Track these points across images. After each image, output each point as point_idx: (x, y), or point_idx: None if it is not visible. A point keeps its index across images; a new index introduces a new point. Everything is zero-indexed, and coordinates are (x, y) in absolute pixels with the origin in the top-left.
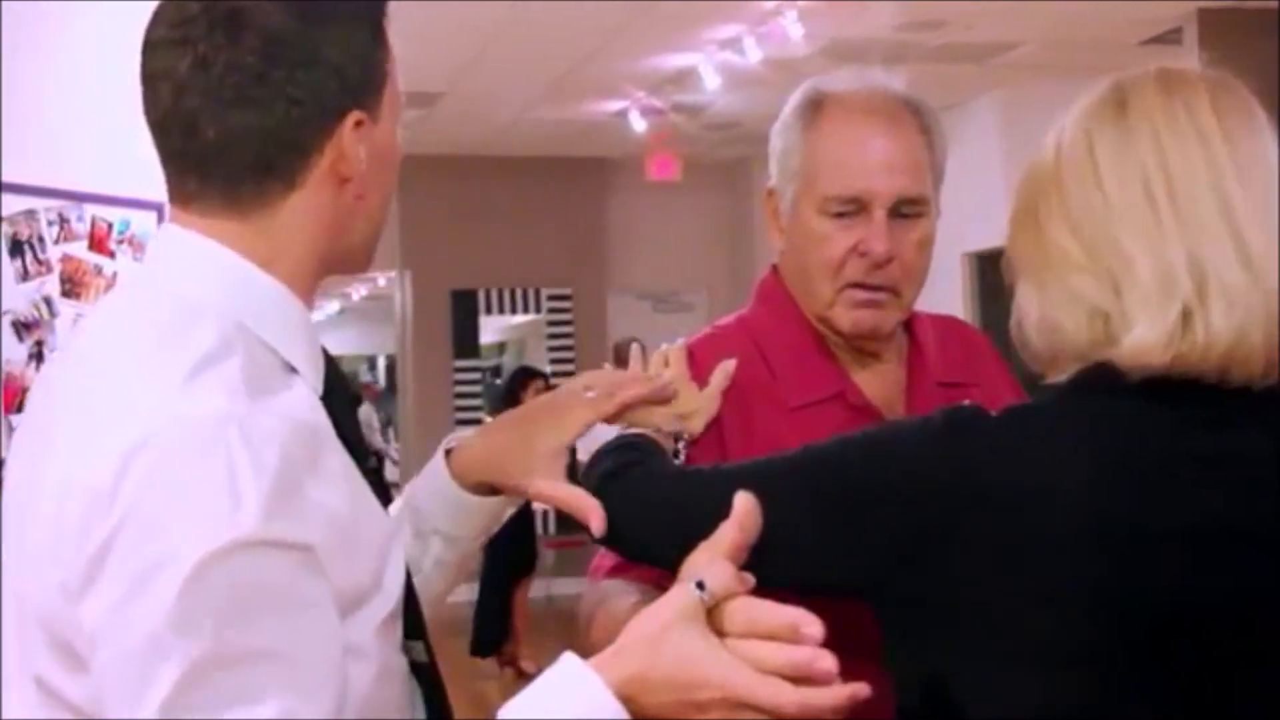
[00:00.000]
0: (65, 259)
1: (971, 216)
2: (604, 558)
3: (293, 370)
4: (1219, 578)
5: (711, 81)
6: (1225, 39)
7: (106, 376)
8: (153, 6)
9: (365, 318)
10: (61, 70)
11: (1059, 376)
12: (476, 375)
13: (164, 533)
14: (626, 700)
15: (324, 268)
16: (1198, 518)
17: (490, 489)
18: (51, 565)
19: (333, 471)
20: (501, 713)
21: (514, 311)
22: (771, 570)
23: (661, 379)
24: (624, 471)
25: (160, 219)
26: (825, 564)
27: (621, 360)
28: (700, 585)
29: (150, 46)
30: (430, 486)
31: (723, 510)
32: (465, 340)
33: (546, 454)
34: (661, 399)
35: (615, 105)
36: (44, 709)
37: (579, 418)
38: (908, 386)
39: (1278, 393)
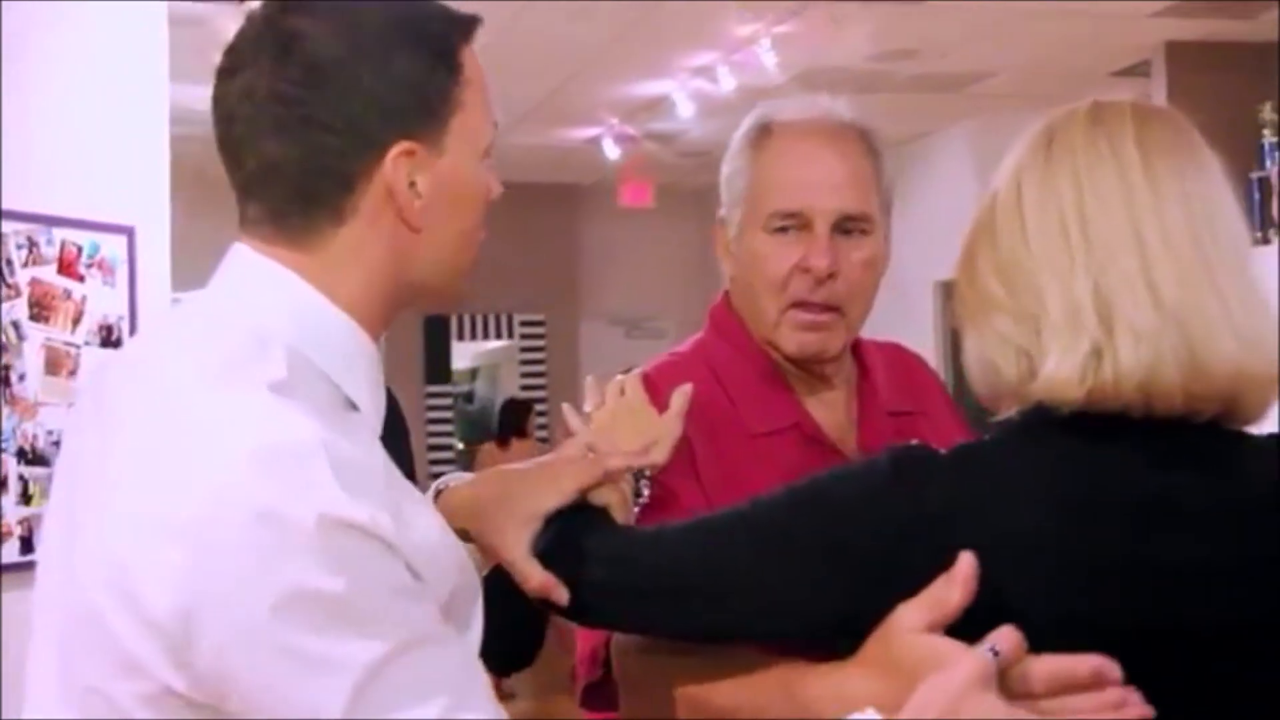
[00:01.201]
0: (34, 283)
1: (943, 245)
2: (584, 641)
3: (353, 407)
4: (1178, 611)
5: (685, 109)
6: (1192, 71)
7: (180, 404)
8: (122, 31)
9: None
10: (30, 93)
11: (1006, 414)
12: (448, 401)
13: (274, 555)
14: None
15: (394, 302)
16: (1147, 554)
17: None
18: (124, 593)
19: (417, 502)
20: None
21: (486, 337)
22: (731, 623)
23: (650, 457)
24: (587, 546)
25: (131, 243)
26: (789, 614)
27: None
28: (994, 651)
29: (216, 74)
30: None
31: (710, 566)
32: (437, 366)
33: (522, 520)
34: (648, 465)
35: (589, 132)
36: (100, 711)
37: (564, 487)
38: (859, 416)
39: (1215, 428)
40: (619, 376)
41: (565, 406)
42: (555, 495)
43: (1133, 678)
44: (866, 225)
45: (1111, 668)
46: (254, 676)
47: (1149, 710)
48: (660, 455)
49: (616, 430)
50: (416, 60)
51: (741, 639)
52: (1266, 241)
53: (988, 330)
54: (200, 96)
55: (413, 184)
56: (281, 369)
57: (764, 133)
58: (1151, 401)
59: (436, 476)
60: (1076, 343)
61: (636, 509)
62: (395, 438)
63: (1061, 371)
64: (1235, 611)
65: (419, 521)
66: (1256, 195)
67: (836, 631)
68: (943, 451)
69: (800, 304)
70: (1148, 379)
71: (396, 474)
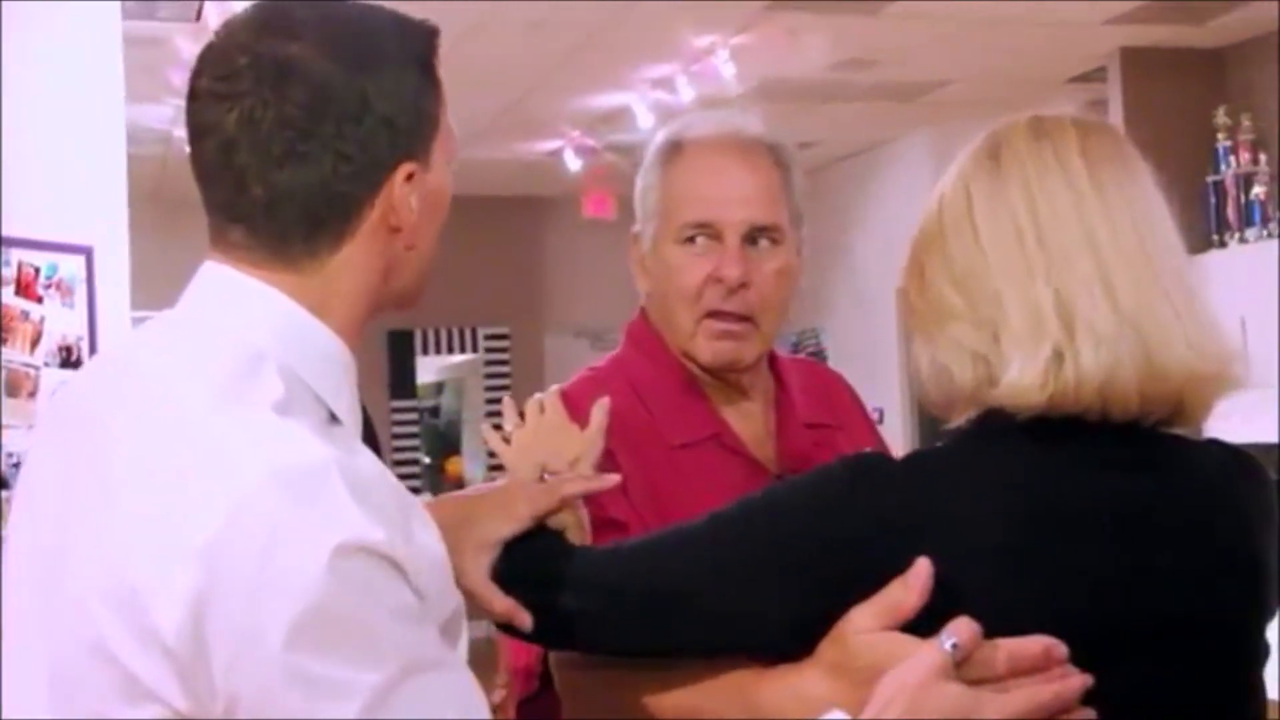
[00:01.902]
0: None
1: (905, 252)
2: (517, 655)
3: (335, 420)
4: (1135, 612)
5: (645, 120)
6: (1147, 77)
7: (189, 428)
8: (78, 51)
9: None
10: None
11: (958, 421)
12: (414, 416)
13: (290, 578)
14: None
15: (373, 313)
16: (1104, 557)
17: None
18: (132, 617)
19: (424, 522)
20: None
21: (451, 351)
22: (696, 639)
23: (607, 479)
24: (547, 571)
25: (89, 263)
26: (751, 627)
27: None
28: (953, 644)
29: (196, 97)
30: None
31: (672, 585)
32: (401, 380)
33: (479, 546)
34: (602, 489)
35: (550, 145)
36: None
37: (520, 513)
38: (777, 428)
39: (1161, 433)
40: (537, 395)
41: (484, 426)
42: (511, 521)
43: (1091, 670)
44: (776, 235)
45: (1058, 645)
46: (263, 700)
47: (1086, 679)
48: (585, 470)
49: (538, 448)
50: (410, 77)
51: (707, 653)
52: (1222, 245)
53: (942, 338)
54: (157, 116)
55: (409, 202)
56: (279, 387)
57: (674, 149)
58: (1109, 405)
59: None
60: (1038, 348)
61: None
62: (370, 447)
63: (1025, 377)
64: (1193, 611)
65: (425, 538)
66: (1212, 199)
67: (798, 640)
68: (896, 459)
69: (714, 314)
70: (1107, 382)
71: (401, 487)
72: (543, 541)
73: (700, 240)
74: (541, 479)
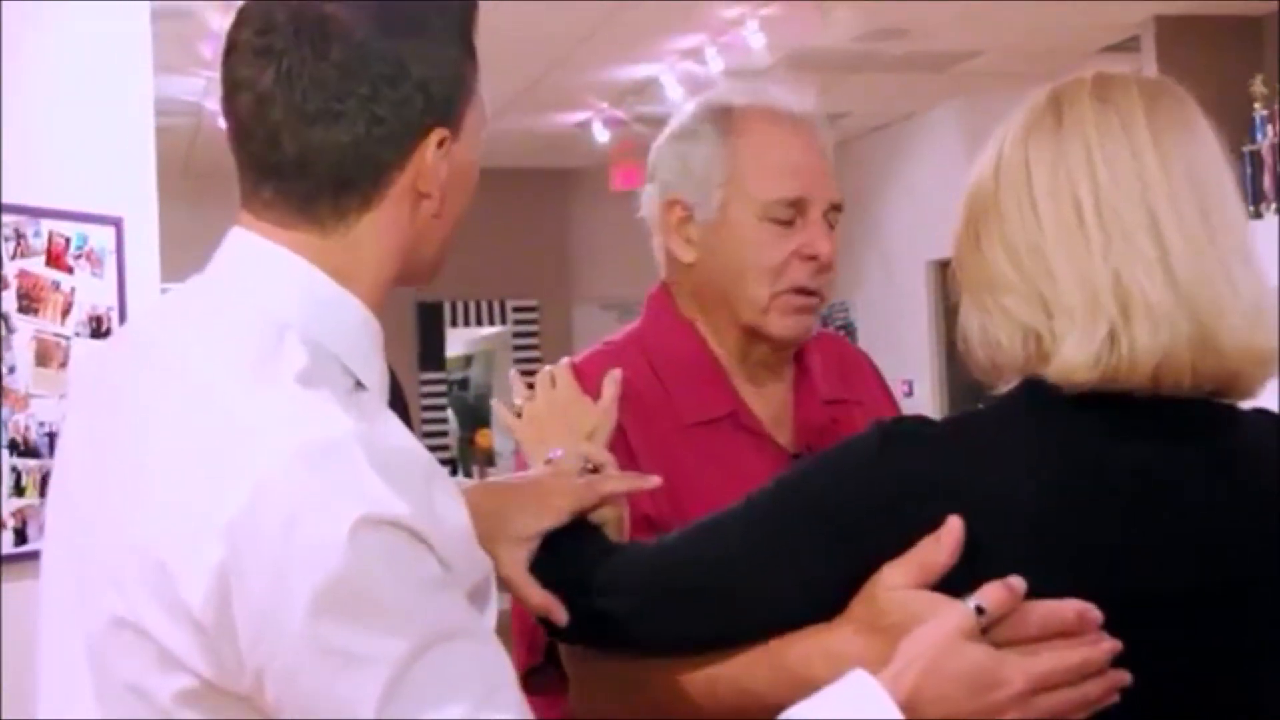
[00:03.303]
0: (22, 274)
1: (935, 225)
2: (520, 626)
3: (361, 386)
4: (1163, 583)
5: (674, 92)
6: (1182, 46)
7: (216, 404)
8: (107, 23)
9: None
10: (17, 84)
11: (1004, 387)
12: (442, 388)
13: (313, 551)
14: (910, 709)
15: (398, 281)
16: (1140, 530)
17: None
18: (161, 589)
19: (448, 491)
20: (786, 713)
21: (480, 323)
22: (744, 622)
23: (649, 480)
24: (587, 568)
25: (119, 234)
26: (794, 599)
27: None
28: (980, 609)
29: (233, 51)
30: None
31: (714, 571)
32: (431, 352)
33: (517, 538)
34: (642, 489)
35: (578, 116)
36: (141, 711)
37: (560, 507)
38: (795, 404)
39: (1207, 402)
40: (547, 368)
41: (495, 402)
42: (551, 515)
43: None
44: (839, 216)
45: (1091, 609)
46: (289, 672)
47: (1117, 644)
48: (598, 446)
49: (549, 423)
50: (449, 45)
51: (744, 639)
52: (1259, 215)
53: (994, 307)
54: (187, 88)
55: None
56: (303, 358)
57: (728, 116)
58: (1161, 382)
59: None
60: (1094, 328)
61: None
62: (398, 413)
63: (1078, 356)
64: (1230, 579)
65: (450, 509)
66: (1248, 169)
67: (832, 613)
68: (935, 422)
69: (795, 290)
70: (1162, 362)
71: (431, 459)
72: (582, 538)
73: (787, 216)
74: (585, 471)
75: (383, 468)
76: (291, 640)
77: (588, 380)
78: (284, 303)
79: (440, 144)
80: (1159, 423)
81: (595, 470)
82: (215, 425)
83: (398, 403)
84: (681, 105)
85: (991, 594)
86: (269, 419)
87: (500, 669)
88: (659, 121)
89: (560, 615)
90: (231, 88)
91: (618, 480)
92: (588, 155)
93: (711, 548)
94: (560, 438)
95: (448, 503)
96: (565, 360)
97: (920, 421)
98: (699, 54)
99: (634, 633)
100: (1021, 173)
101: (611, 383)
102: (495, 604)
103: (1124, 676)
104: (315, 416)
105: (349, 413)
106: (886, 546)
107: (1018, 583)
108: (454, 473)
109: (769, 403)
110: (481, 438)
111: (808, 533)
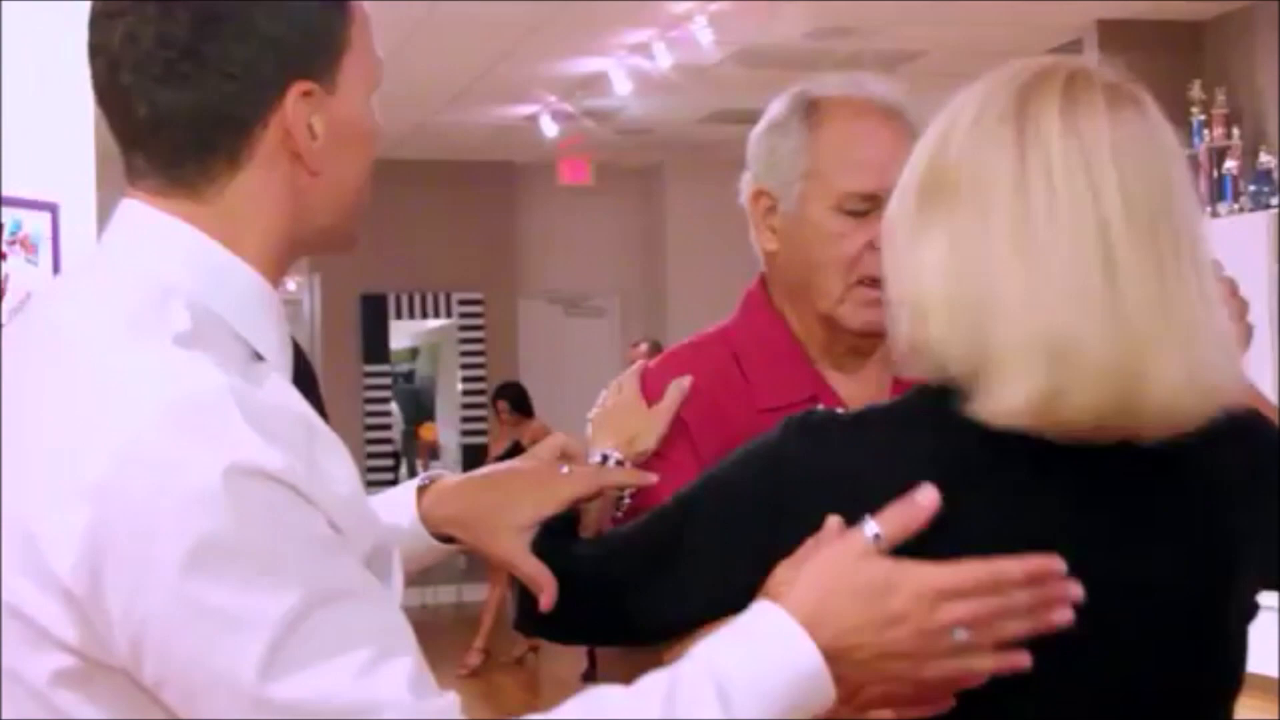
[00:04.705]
0: None
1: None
2: None
3: (259, 359)
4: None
5: (622, 86)
6: (1123, 50)
7: (84, 364)
8: (41, 5)
9: None
10: None
11: (914, 375)
12: (387, 381)
13: (182, 509)
14: (812, 628)
15: (292, 249)
16: (1029, 525)
17: (451, 538)
18: (31, 561)
19: (334, 452)
20: (696, 645)
21: (425, 316)
22: (676, 614)
23: (646, 478)
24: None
25: (55, 220)
26: (713, 594)
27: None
28: (873, 530)
29: (91, 20)
30: (389, 517)
31: (645, 562)
32: (375, 345)
33: (520, 526)
34: (643, 485)
35: (526, 110)
36: (19, 699)
37: (561, 496)
38: (894, 388)
39: (1126, 447)
40: (626, 372)
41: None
42: (553, 503)
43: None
44: None
45: (1055, 561)
46: (167, 637)
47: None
48: (643, 446)
49: (609, 427)
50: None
51: (683, 627)
52: None
53: (929, 314)
54: None
55: (309, 126)
56: (185, 320)
57: (815, 108)
58: (1093, 434)
59: (373, 456)
60: (1027, 380)
61: (619, 513)
62: (305, 388)
63: (1007, 404)
64: (1117, 576)
65: (338, 471)
66: None
67: (747, 599)
68: (846, 415)
69: (869, 281)
70: (1095, 418)
71: (314, 419)
72: (566, 527)
73: (863, 208)
74: (603, 461)
75: (257, 421)
76: (165, 602)
77: (654, 384)
78: (171, 268)
79: (306, 96)
80: (1066, 464)
81: (568, 459)
82: (84, 386)
83: (308, 381)
84: (629, 100)
85: (888, 516)
86: (138, 376)
87: (396, 636)
88: (607, 116)
89: (551, 590)
90: (90, 56)
91: (619, 475)
92: (535, 149)
93: (640, 545)
94: (603, 442)
95: (335, 465)
96: (639, 364)
97: (830, 415)
98: (647, 49)
99: (575, 621)
100: (972, 171)
101: (674, 389)
102: (399, 574)
103: (1024, 659)
104: (186, 373)
105: (228, 372)
106: (782, 537)
107: (924, 497)
108: (397, 466)
109: (865, 385)
110: (426, 431)
111: (715, 526)
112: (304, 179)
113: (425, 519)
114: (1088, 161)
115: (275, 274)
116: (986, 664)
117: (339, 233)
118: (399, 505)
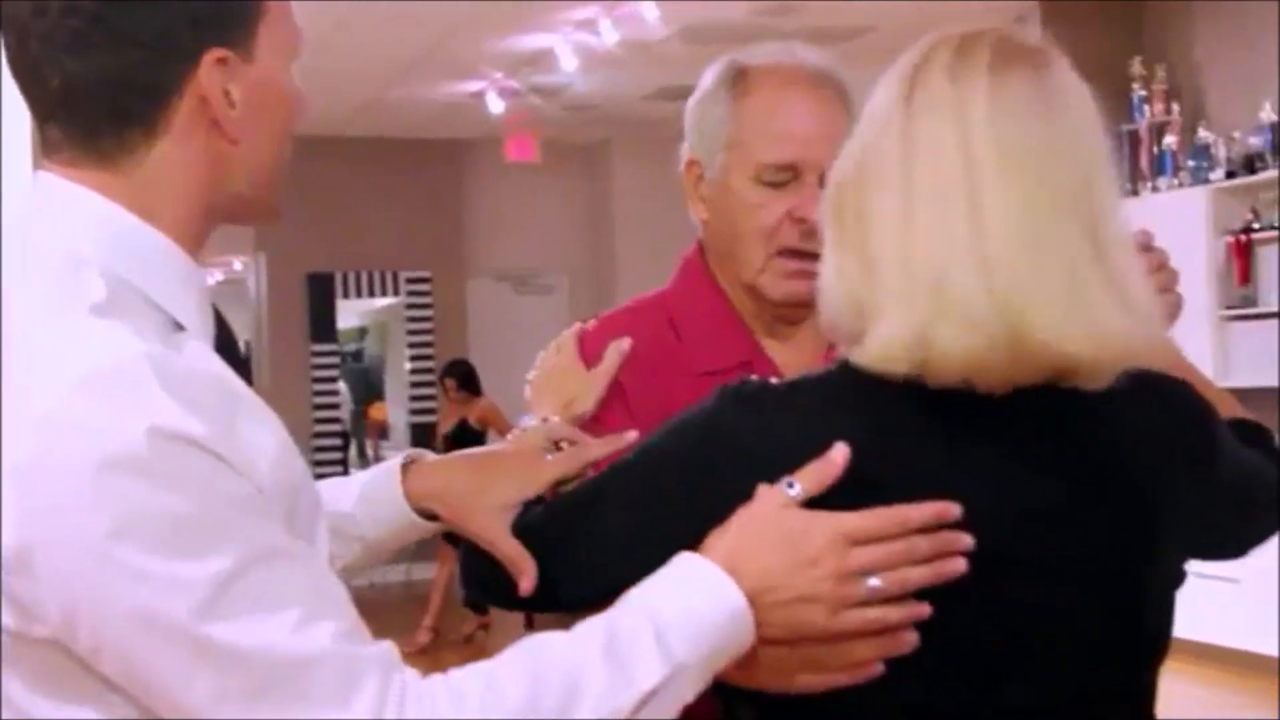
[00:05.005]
0: None
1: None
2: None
3: (180, 328)
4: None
5: (569, 63)
6: (1066, 26)
7: (4, 341)
8: None
9: (220, 301)
10: None
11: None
12: (335, 360)
13: (105, 479)
14: (734, 572)
15: (210, 217)
16: (956, 484)
17: (434, 515)
18: None
19: (256, 416)
20: (626, 594)
21: (372, 295)
22: (606, 582)
23: (627, 437)
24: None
25: None
26: (648, 561)
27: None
28: (791, 485)
29: None
30: (372, 495)
31: (583, 530)
32: (322, 324)
33: (502, 505)
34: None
35: (472, 86)
36: None
37: (545, 476)
38: (829, 354)
39: (1039, 391)
40: (564, 333)
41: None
42: (537, 485)
43: (930, 602)
44: None
45: (952, 507)
46: (99, 608)
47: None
48: (581, 409)
49: (546, 390)
50: None
51: (615, 595)
52: (1134, 194)
53: (842, 265)
54: None
55: (226, 93)
56: (100, 290)
57: (743, 78)
58: (972, 382)
59: (321, 435)
60: (904, 320)
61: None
62: (229, 357)
63: (886, 349)
64: (1038, 544)
65: (259, 434)
66: (1125, 148)
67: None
68: (778, 385)
69: (789, 252)
70: (970, 364)
71: (236, 383)
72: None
73: (781, 179)
74: (552, 444)
75: (175, 389)
76: (95, 571)
77: (592, 347)
78: (85, 239)
79: (221, 63)
80: (981, 401)
81: (558, 445)
82: (4, 362)
83: (233, 350)
84: (575, 76)
85: (804, 472)
86: (56, 349)
87: (323, 589)
88: (553, 92)
89: (531, 572)
90: (3, 29)
91: (599, 446)
92: (482, 125)
93: (572, 509)
94: (542, 406)
95: (256, 428)
96: (576, 326)
97: (763, 384)
98: (593, 25)
99: (510, 588)
100: (875, 131)
101: (614, 352)
102: (325, 538)
103: (925, 609)
104: (102, 344)
105: (146, 340)
106: (715, 505)
107: (838, 453)
108: (346, 446)
109: (800, 351)
110: (375, 410)
111: (649, 494)
112: (223, 147)
113: (409, 495)
114: (964, 113)
115: (194, 244)
116: (894, 615)
117: (259, 202)
118: (380, 482)
